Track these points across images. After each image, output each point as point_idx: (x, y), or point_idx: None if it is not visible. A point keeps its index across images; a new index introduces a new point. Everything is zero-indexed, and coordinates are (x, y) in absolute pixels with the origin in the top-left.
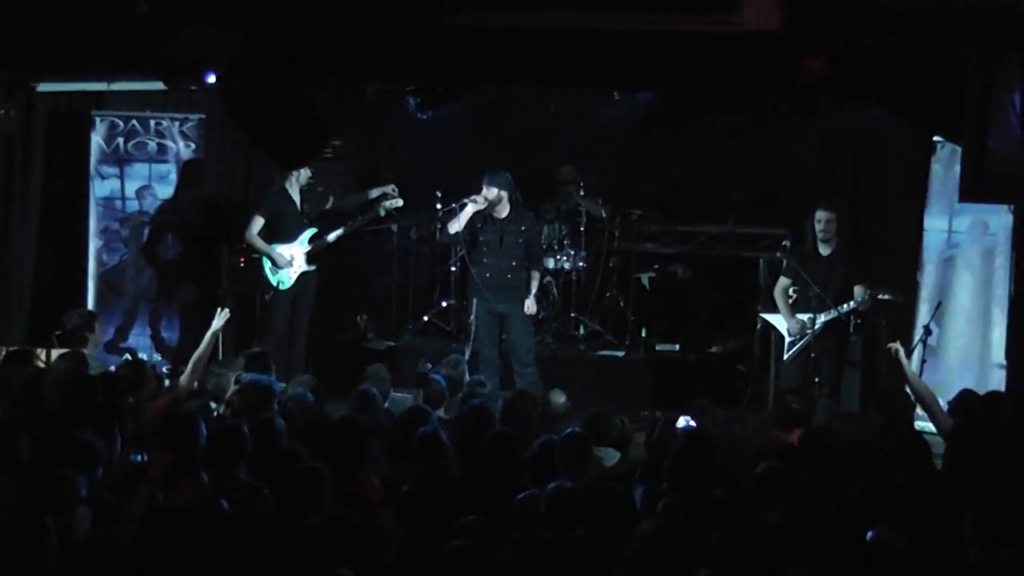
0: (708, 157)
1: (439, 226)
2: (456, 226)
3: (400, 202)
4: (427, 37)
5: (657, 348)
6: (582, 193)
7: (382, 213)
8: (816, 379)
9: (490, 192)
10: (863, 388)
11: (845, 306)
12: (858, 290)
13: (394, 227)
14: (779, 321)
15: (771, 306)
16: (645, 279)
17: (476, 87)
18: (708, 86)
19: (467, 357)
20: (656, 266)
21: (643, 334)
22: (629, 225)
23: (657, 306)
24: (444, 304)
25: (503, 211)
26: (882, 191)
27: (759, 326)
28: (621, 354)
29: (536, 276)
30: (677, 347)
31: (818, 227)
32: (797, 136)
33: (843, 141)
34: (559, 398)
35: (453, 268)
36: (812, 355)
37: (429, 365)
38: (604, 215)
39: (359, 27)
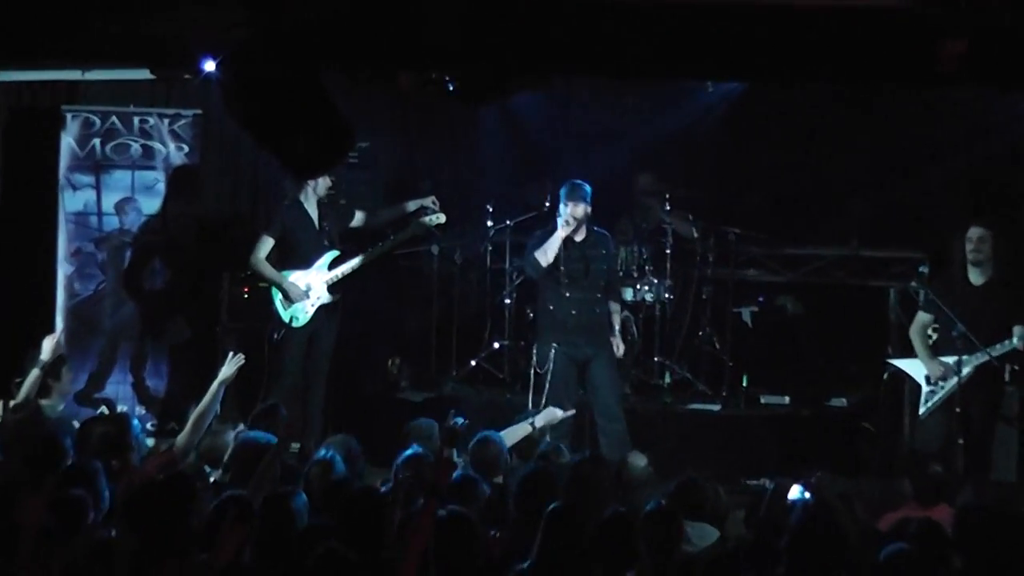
0: (822, 164)
1: (488, 247)
2: (546, 257)
3: (442, 218)
4: (474, 11)
5: (762, 400)
6: (667, 208)
7: (420, 232)
8: (961, 440)
9: (577, 209)
10: (1023, 452)
11: (1000, 347)
12: (1018, 330)
13: (435, 249)
14: (915, 367)
15: (904, 348)
16: (746, 314)
17: (534, 75)
18: (817, 74)
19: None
20: (760, 298)
21: (744, 383)
22: (726, 247)
23: (761, 348)
24: (496, 345)
25: (581, 232)
26: None
27: (888, 373)
28: (717, 408)
29: (617, 310)
30: (787, 399)
31: (968, 247)
32: (933, 138)
33: (993, 144)
34: (639, 461)
35: (507, 301)
36: (957, 409)
37: (460, 419)
38: (695, 235)
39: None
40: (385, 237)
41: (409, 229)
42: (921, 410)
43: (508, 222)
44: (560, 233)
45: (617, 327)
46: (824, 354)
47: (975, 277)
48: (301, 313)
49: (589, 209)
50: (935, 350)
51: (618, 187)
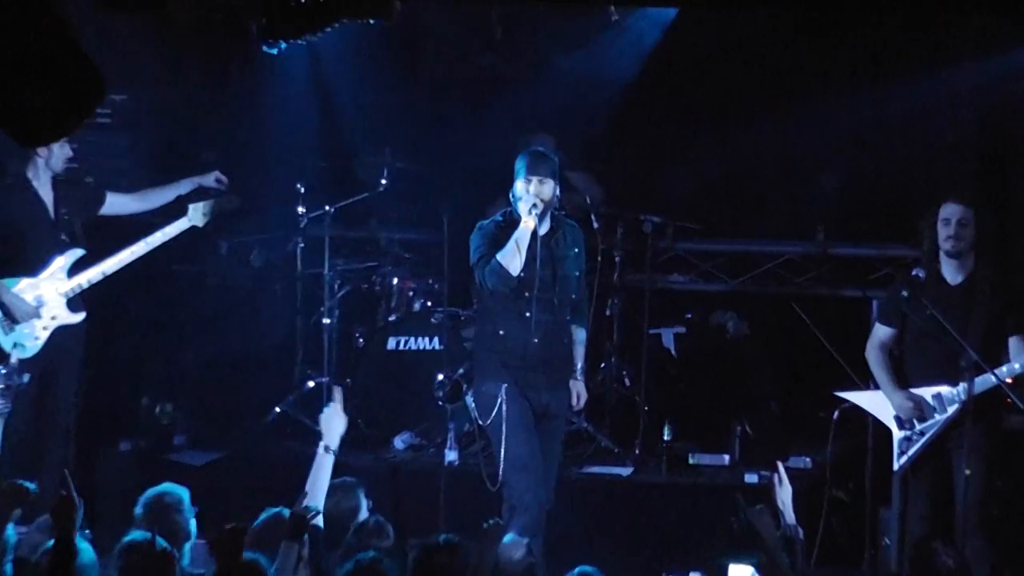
0: (778, 127)
1: (299, 244)
2: (516, 261)
3: (234, 202)
4: None
5: (691, 461)
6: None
7: (201, 222)
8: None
9: (544, 188)
10: None
11: (1007, 370)
12: (1017, 345)
13: (223, 247)
14: (876, 402)
15: (898, 375)
16: (669, 338)
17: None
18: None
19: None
20: (688, 315)
21: (665, 436)
22: (641, 242)
23: (690, 386)
24: (311, 384)
25: (544, 222)
26: None
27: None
28: (627, 472)
29: (582, 340)
30: (726, 459)
31: (943, 233)
32: (923, 95)
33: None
34: (515, 552)
35: (327, 320)
36: (946, 461)
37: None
38: (596, 223)
39: None
40: (152, 230)
41: (186, 219)
42: (896, 465)
43: (328, 207)
44: (528, 224)
45: (580, 364)
46: (779, 393)
47: (951, 273)
48: (29, 339)
49: (558, 188)
50: (908, 377)
51: (493, 158)
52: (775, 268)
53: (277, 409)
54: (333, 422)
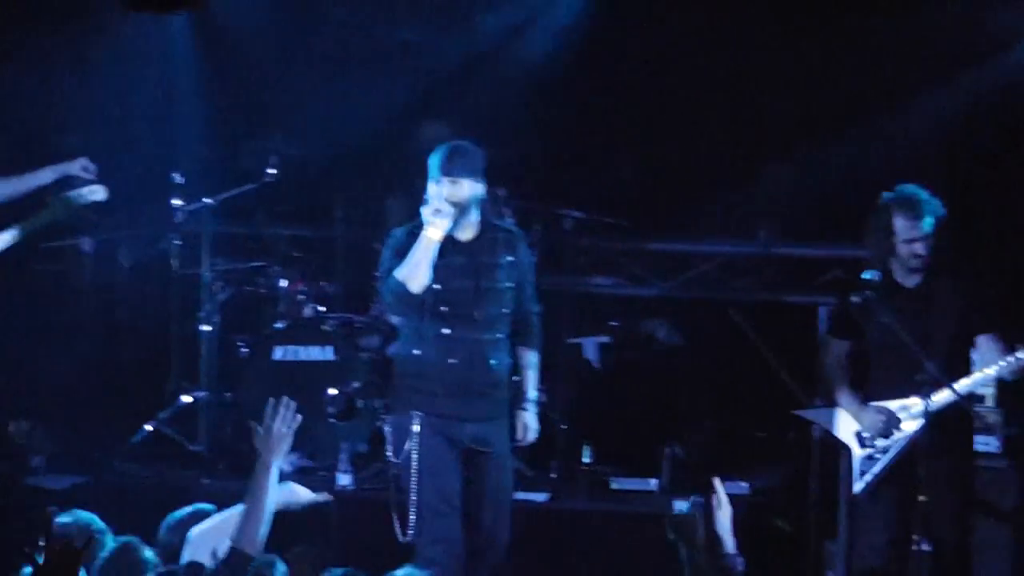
0: (716, 110)
1: (175, 242)
2: (417, 276)
3: (100, 193)
4: None
5: (613, 486)
6: None
7: (63, 216)
8: (920, 538)
9: (458, 189)
10: (1019, 563)
11: (970, 382)
12: (987, 344)
13: (86, 244)
14: (836, 421)
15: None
16: (591, 348)
17: None
18: None
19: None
20: (614, 323)
21: (585, 458)
22: (559, 241)
23: (614, 402)
24: (187, 399)
25: (469, 228)
26: None
27: (817, 437)
28: (542, 498)
29: (533, 364)
30: (653, 484)
31: (906, 249)
32: (896, 69)
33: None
34: None
35: (205, 328)
36: (913, 486)
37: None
38: (508, 220)
39: None
40: (6, 225)
41: (45, 212)
42: (856, 487)
43: (208, 200)
44: (430, 234)
45: (530, 392)
46: (715, 410)
47: (905, 276)
48: None
49: (480, 187)
50: (870, 392)
51: (393, 145)
52: (712, 270)
53: (148, 427)
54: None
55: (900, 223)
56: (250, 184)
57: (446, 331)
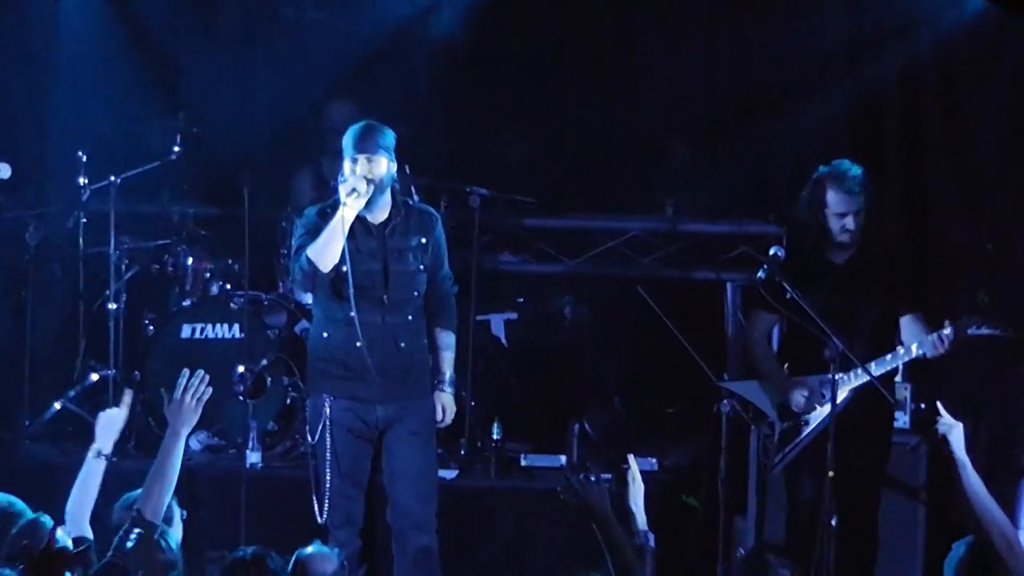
0: (619, 82)
1: (80, 218)
2: (325, 255)
3: (4, 171)
4: None
5: (523, 463)
6: None
7: None
8: (833, 520)
9: (374, 167)
10: (930, 538)
11: (890, 359)
12: (910, 324)
13: None
14: (761, 393)
15: (747, 371)
16: (498, 325)
17: None
18: None
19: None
20: (520, 300)
21: (495, 435)
22: (468, 217)
23: (522, 378)
24: (95, 377)
25: (381, 208)
26: (973, 137)
27: (726, 413)
28: (451, 475)
29: (448, 345)
30: (563, 460)
31: (837, 224)
32: (789, 50)
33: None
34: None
35: (112, 306)
36: (830, 472)
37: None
38: (415, 198)
39: None
40: None
41: None
42: (775, 465)
43: (113, 178)
44: (345, 213)
45: (447, 372)
46: (623, 387)
47: (835, 254)
48: None
49: (393, 166)
50: (792, 367)
51: (300, 121)
52: (619, 247)
53: (56, 405)
54: (110, 423)
55: (832, 197)
56: (155, 162)
57: (353, 314)
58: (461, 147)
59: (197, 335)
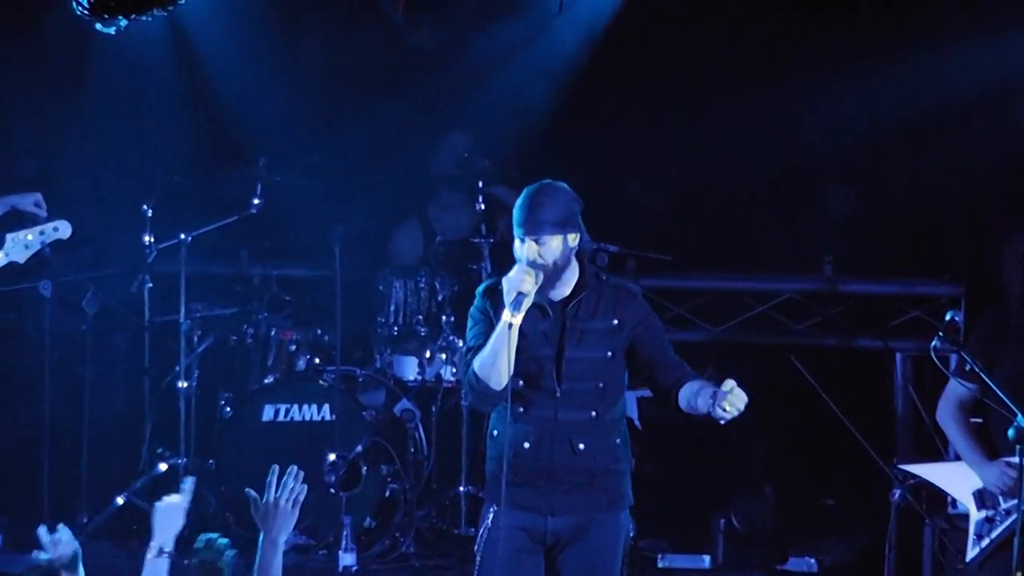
0: (768, 127)
1: (146, 283)
2: (495, 365)
3: (65, 230)
4: None
5: (661, 564)
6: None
7: (21, 257)
8: None
9: (545, 249)
10: None
11: None
12: None
13: (45, 288)
14: (951, 476)
15: (923, 451)
16: (631, 403)
17: None
18: None
19: None
20: None
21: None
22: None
23: (659, 465)
24: (163, 467)
25: (565, 283)
26: None
27: (896, 503)
28: None
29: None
30: (706, 561)
31: None
32: (970, 58)
33: None
34: None
35: (183, 384)
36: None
37: None
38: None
39: None
40: None
41: (1, 253)
42: (969, 554)
43: (184, 236)
44: (510, 319)
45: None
46: (774, 474)
47: None
48: None
49: (574, 238)
50: (993, 445)
51: (399, 168)
52: (769, 311)
53: (119, 499)
54: (169, 516)
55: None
56: (233, 216)
57: (521, 409)
58: (585, 196)
59: (281, 417)
